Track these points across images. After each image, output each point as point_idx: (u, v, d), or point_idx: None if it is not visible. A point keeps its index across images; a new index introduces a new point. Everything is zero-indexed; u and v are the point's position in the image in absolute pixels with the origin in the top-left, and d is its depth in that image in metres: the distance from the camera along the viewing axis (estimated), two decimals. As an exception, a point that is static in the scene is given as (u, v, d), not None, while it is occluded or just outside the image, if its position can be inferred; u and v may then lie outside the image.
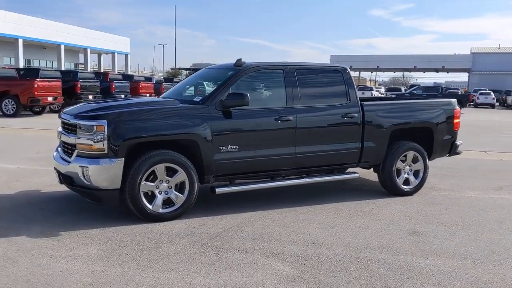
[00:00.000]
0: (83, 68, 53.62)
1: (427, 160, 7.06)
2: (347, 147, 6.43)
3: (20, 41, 43.25)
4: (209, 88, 6.42)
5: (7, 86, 18.24)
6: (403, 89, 54.99)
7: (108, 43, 58.47)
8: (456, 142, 7.40)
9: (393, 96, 29.41)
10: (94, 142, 5.06)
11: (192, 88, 6.90)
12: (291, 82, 6.11)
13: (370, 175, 7.75)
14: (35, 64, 50.25)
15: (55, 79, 19.53)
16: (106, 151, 5.07)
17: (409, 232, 5.23)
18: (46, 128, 14.48)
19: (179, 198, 5.44)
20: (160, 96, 7.07)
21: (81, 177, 5.13)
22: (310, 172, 6.41)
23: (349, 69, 6.76)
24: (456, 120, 7.33)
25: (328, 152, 6.28)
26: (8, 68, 22.78)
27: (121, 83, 24.47)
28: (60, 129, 5.91)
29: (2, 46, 43.92)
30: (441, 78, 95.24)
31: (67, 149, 5.54)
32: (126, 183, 5.15)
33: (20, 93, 17.96)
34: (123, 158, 5.11)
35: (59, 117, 5.99)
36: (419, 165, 7.00)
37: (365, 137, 6.52)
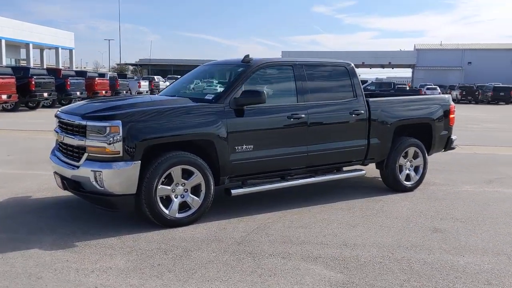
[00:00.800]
0: (25, 64, 51.13)
1: (426, 156, 7.11)
2: (355, 144, 6.35)
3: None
4: (215, 86, 6.15)
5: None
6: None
7: (51, 38, 56.08)
8: (451, 137, 7.51)
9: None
10: (108, 144, 4.69)
11: (199, 86, 6.56)
12: (301, 79, 5.95)
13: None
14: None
15: (8, 76, 18.41)
16: (121, 154, 4.71)
17: (430, 229, 5.20)
18: (7, 128, 13.60)
19: (195, 202, 5.16)
20: (160, 94, 6.70)
21: (93, 182, 4.75)
22: (319, 170, 6.29)
23: (353, 65, 6.68)
24: (451, 116, 7.43)
25: (337, 150, 6.17)
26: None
27: (76, 79, 23.47)
28: (58, 129, 5.48)
29: None
30: (383, 74, 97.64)
31: (70, 151, 5.12)
32: (142, 188, 4.83)
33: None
34: (140, 161, 4.78)
35: (57, 116, 5.56)
36: (419, 161, 7.04)
37: (371, 134, 6.46)
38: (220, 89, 5.87)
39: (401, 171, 6.87)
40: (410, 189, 6.95)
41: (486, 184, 7.57)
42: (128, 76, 37.10)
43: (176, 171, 5.00)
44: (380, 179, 7.19)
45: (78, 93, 22.90)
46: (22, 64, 53.56)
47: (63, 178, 5.14)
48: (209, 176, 5.18)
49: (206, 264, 4.11)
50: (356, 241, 4.76)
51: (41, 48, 58.37)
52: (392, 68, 75.44)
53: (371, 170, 7.35)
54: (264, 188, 5.73)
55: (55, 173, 5.40)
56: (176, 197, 5.07)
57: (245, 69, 5.70)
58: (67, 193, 6.22)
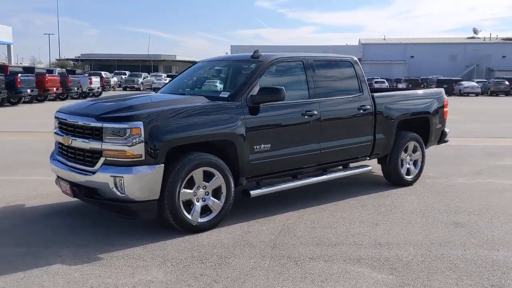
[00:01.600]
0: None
1: (425, 150, 7.17)
2: (362, 140, 6.29)
3: None
4: (227, 83, 5.89)
5: None
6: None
7: (-13, 32, 53.03)
8: (445, 130, 7.62)
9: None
10: (129, 147, 4.36)
11: (207, 82, 6.25)
12: (311, 74, 5.80)
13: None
14: None
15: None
16: (143, 157, 4.39)
17: (451, 224, 5.21)
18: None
19: (216, 205, 4.91)
20: (160, 92, 6.32)
21: (113, 189, 4.40)
22: (328, 168, 6.18)
23: (357, 59, 6.61)
24: (445, 109, 7.53)
25: (347, 146, 6.09)
26: None
27: (27, 76, 22.19)
28: (59, 132, 5.07)
29: None
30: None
31: (81, 156, 4.72)
32: (164, 192, 4.53)
33: None
34: (163, 164, 4.48)
35: (58, 117, 5.14)
36: (418, 155, 7.08)
37: (376, 129, 6.43)
38: (232, 86, 5.60)
39: (402, 165, 6.89)
40: (410, 183, 6.98)
41: (476, 176, 7.73)
42: (77, 72, 35.47)
43: (198, 174, 4.73)
44: (375, 173, 7.17)
45: (28, 90, 21.70)
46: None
47: (73, 185, 4.74)
48: (230, 177, 4.95)
49: (250, 271, 3.89)
50: (387, 240, 4.68)
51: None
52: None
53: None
54: (280, 188, 5.55)
55: (60, 179, 4.98)
56: (198, 201, 4.80)
57: (258, 65, 5.48)
58: (61, 200, 5.87)
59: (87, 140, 4.59)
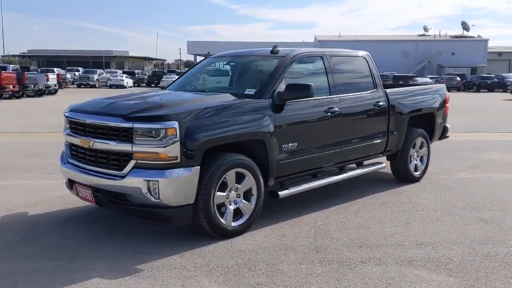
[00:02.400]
0: None
1: (430, 145, 7.17)
2: (378, 136, 6.20)
3: None
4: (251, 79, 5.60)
5: None
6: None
7: None
8: (446, 125, 7.64)
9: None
10: (164, 148, 4.04)
11: (224, 79, 5.94)
12: (331, 70, 5.64)
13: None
14: None
15: None
16: (178, 159, 4.08)
17: (479, 220, 5.17)
18: None
19: (247, 207, 4.66)
20: (169, 89, 5.95)
21: (146, 194, 4.06)
22: (346, 165, 6.04)
23: (370, 55, 6.50)
24: (447, 105, 7.55)
25: (364, 143, 5.98)
26: None
27: (-18, 73, 20.93)
28: (73, 133, 4.67)
29: None
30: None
31: (104, 158, 4.35)
32: (198, 196, 4.24)
33: None
34: (199, 166, 4.18)
35: (69, 117, 4.74)
36: (424, 151, 7.07)
37: (390, 125, 6.34)
38: (255, 83, 5.30)
39: (410, 161, 6.85)
40: (418, 179, 6.95)
41: (474, 170, 7.81)
42: (31, 68, 33.86)
43: (230, 176, 4.46)
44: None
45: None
46: None
47: (97, 191, 4.36)
48: (260, 178, 4.71)
49: (307, 278, 3.68)
50: (427, 239, 4.57)
51: None
52: (294, 59, 77.19)
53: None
54: (305, 187, 5.34)
55: (78, 184, 4.59)
56: (230, 204, 4.54)
57: (281, 61, 5.25)
58: (67, 206, 5.51)
59: (113, 142, 4.23)
